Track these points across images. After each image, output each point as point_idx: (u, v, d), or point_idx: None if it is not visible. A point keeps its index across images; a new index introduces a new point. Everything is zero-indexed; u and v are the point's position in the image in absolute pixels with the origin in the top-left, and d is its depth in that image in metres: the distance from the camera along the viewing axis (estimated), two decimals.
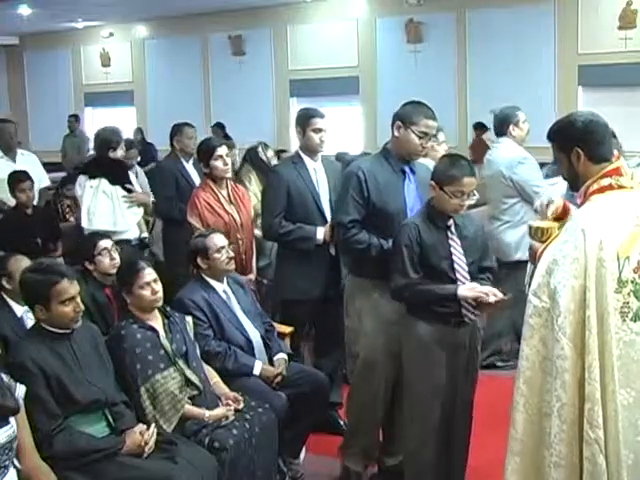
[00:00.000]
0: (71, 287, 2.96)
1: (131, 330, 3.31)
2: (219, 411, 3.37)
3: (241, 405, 3.46)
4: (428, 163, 5.04)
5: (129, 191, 5.04)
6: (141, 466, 2.95)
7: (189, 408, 3.31)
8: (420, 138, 3.45)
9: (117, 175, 5.02)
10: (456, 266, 3.27)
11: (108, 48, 13.22)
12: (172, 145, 5.60)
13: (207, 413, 3.32)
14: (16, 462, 2.49)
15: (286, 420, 3.61)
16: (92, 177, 5.00)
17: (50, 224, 5.39)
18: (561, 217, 2.84)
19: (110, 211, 4.91)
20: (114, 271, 3.85)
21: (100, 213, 4.88)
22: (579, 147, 2.51)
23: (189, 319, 3.62)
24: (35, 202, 5.82)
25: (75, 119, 12.03)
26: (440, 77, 10.11)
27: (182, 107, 11.81)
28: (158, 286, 3.45)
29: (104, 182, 4.94)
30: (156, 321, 3.44)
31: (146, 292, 3.40)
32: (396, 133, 3.50)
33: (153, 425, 3.12)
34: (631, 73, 8.79)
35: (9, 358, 2.97)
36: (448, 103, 9.99)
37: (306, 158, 4.26)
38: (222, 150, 4.50)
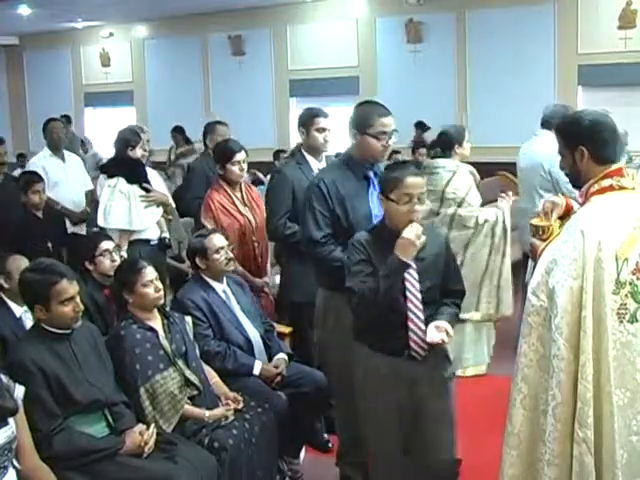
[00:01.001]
0: (70, 287, 2.97)
1: (131, 330, 3.31)
2: (219, 411, 3.37)
3: (241, 405, 3.47)
4: (458, 164, 5.14)
5: (147, 190, 4.95)
6: (141, 466, 2.96)
7: (189, 408, 3.31)
8: (379, 140, 3.31)
9: (135, 174, 4.94)
10: (408, 293, 2.92)
11: (108, 48, 13.21)
12: (205, 144, 5.50)
13: (207, 413, 3.32)
14: (15, 463, 2.49)
15: (286, 420, 3.61)
16: (110, 176, 4.92)
17: (61, 229, 5.30)
18: (564, 215, 2.85)
19: (126, 210, 4.82)
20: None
21: (116, 212, 4.79)
22: (584, 146, 2.51)
23: (188, 319, 3.62)
24: (84, 205, 5.82)
25: (66, 120, 11.94)
26: (440, 77, 10.10)
27: (182, 107, 11.82)
28: (160, 284, 3.47)
29: (122, 181, 4.86)
30: (155, 321, 3.44)
31: (149, 290, 3.40)
32: (353, 140, 3.39)
33: (153, 425, 3.12)
34: (631, 73, 8.78)
35: (8, 358, 2.97)
36: (448, 103, 9.99)
37: (310, 158, 4.20)
38: (241, 156, 4.46)
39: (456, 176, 5.10)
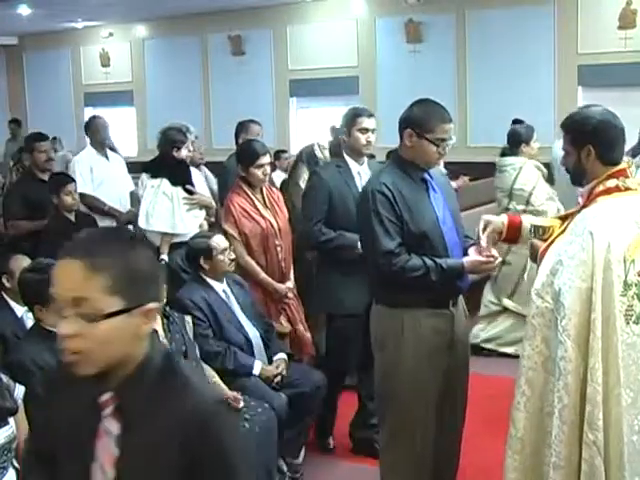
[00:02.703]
0: None
1: None
2: None
3: (241, 405, 3.46)
4: (525, 160, 5.29)
5: (190, 192, 4.76)
6: None
7: None
8: (437, 146, 3.03)
9: (179, 176, 4.75)
10: None
11: (108, 48, 13.19)
12: (237, 143, 5.28)
13: None
14: (15, 463, 2.49)
15: (286, 420, 3.61)
16: (154, 176, 4.74)
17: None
18: (513, 233, 2.84)
19: (169, 213, 4.65)
20: None
21: (159, 215, 4.64)
22: (591, 145, 2.50)
23: (188, 319, 3.63)
24: (129, 205, 5.58)
25: (17, 125, 11.85)
26: (439, 77, 10.09)
27: (182, 107, 11.79)
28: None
29: (165, 182, 4.69)
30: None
31: None
32: (407, 142, 3.06)
33: None
34: (631, 73, 8.76)
35: (9, 358, 2.97)
36: (448, 103, 9.87)
37: (350, 161, 3.96)
38: (265, 159, 4.27)
39: (522, 172, 5.27)
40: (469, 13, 9.99)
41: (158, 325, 3.42)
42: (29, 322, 3.37)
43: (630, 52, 8.87)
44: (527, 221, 2.88)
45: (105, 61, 13.29)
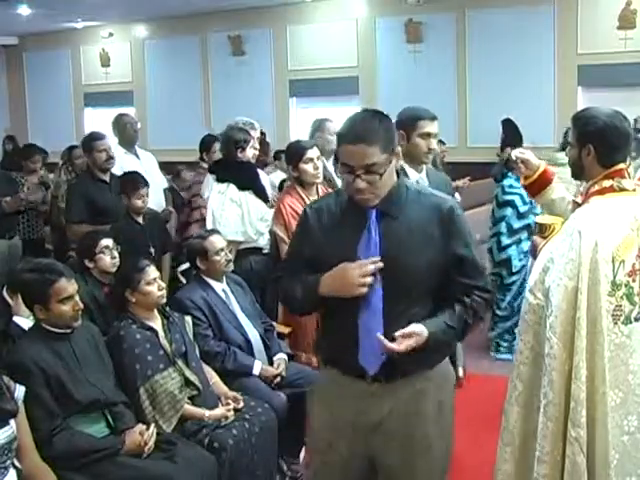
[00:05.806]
0: (69, 286, 2.97)
1: (130, 330, 3.32)
2: (219, 411, 3.37)
3: (241, 405, 3.47)
4: None
5: (263, 196, 4.44)
6: (141, 466, 2.96)
7: (189, 408, 3.31)
8: (342, 172, 2.37)
9: (246, 179, 4.46)
10: None
11: (108, 48, 13.19)
12: None
13: (207, 413, 3.33)
14: (16, 462, 2.49)
15: (286, 420, 3.61)
16: (220, 180, 4.49)
17: (163, 233, 4.84)
18: (541, 183, 2.87)
19: (239, 220, 4.38)
20: (114, 269, 3.86)
21: (227, 222, 4.35)
22: (593, 145, 2.50)
23: (188, 319, 3.63)
24: (164, 204, 5.35)
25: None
26: (440, 77, 10.10)
27: (182, 107, 11.82)
28: (162, 283, 3.48)
29: (232, 187, 4.40)
30: (155, 321, 3.44)
31: (153, 288, 3.42)
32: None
33: (153, 425, 3.12)
34: (631, 73, 8.77)
35: (8, 358, 2.97)
36: (447, 103, 9.98)
37: (409, 169, 3.44)
38: (313, 153, 4.05)
39: None
40: (469, 13, 10.00)
41: (158, 325, 3.43)
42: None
43: (630, 52, 8.88)
44: (557, 191, 2.92)
45: (105, 61, 13.29)
